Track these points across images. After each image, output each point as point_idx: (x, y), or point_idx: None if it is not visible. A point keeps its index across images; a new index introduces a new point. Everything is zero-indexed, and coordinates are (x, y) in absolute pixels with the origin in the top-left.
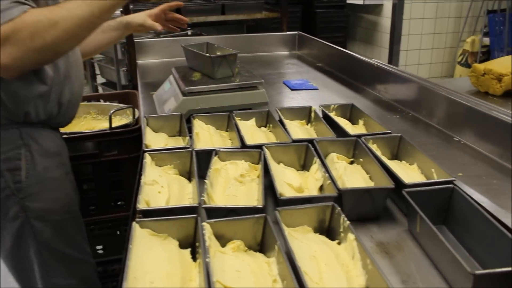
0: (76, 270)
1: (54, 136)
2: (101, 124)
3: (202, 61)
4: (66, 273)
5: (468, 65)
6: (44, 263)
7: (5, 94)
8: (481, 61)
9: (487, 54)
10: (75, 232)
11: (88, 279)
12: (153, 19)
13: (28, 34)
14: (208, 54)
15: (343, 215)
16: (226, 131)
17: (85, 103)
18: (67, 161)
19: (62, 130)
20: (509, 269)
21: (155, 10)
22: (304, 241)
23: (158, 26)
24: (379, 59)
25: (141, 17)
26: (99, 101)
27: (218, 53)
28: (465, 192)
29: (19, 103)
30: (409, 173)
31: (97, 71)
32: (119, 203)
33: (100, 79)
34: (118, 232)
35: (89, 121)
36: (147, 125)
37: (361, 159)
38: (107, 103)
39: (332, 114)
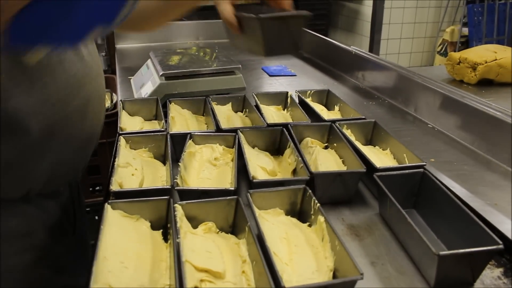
0: None
1: (25, 207)
2: None
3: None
4: None
5: (447, 55)
6: None
7: None
8: (459, 51)
9: (466, 44)
10: None
11: None
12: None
13: None
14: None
15: (314, 198)
16: (203, 115)
17: None
18: (45, 238)
19: None
20: (471, 250)
21: None
22: (275, 223)
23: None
24: (360, 47)
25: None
26: None
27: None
28: (435, 177)
29: None
30: (382, 158)
31: None
32: (97, 188)
33: None
34: (96, 217)
35: None
36: (123, 108)
37: (335, 144)
38: None
39: (308, 100)
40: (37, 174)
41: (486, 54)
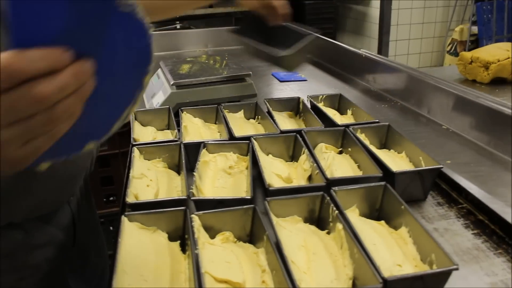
0: None
1: (8, 231)
2: None
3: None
4: None
5: (457, 54)
6: None
7: None
8: (469, 50)
9: (476, 43)
10: None
11: None
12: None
13: None
14: None
15: (332, 205)
16: (215, 123)
17: None
18: (33, 257)
19: None
20: None
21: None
22: (293, 231)
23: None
24: (369, 49)
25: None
26: None
27: None
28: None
29: None
30: (397, 161)
31: None
32: (111, 198)
33: None
34: (111, 228)
35: None
36: (135, 119)
37: (349, 149)
38: None
39: (320, 105)
40: (16, 209)
41: (499, 53)
